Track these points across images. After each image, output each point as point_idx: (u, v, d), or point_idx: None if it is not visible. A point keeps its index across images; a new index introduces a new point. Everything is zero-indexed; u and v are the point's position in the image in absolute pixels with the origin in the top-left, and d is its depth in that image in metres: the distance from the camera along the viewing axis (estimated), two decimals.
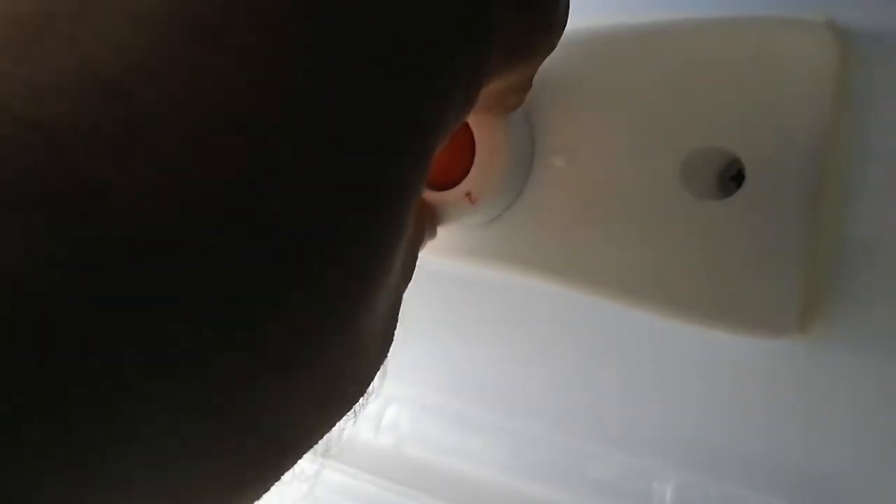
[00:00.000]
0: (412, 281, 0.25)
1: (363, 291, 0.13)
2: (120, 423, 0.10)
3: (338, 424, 0.15)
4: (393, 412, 0.31)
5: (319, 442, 0.15)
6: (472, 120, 0.23)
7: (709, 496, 0.24)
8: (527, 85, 0.21)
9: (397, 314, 0.17)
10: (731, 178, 0.24)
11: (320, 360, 0.13)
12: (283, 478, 0.14)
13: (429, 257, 0.27)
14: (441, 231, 0.24)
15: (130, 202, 0.10)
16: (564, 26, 0.18)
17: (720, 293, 0.22)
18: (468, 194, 0.24)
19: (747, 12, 0.23)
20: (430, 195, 0.24)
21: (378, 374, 0.16)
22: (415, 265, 0.20)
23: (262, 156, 0.11)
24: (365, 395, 0.15)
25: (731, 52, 0.22)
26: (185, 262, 0.10)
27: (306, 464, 0.15)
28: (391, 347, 0.17)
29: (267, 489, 0.14)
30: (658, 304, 0.23)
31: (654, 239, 0.23)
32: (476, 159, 0.23)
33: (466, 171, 0.23)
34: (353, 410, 0.15)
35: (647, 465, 0.26)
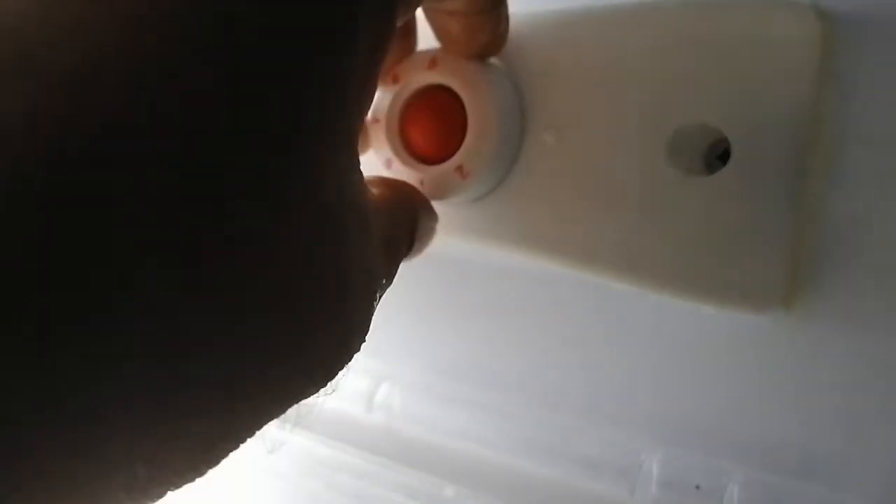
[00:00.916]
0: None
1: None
2: (94, 360, 0.11)
3: (312, 397, 0.15)
4: (385, 390, 0.31)
5: (289, 411, 0.15)
6: (465, 94, 0.23)
7: (694, 470, 0.25)
8: (486, 10, 0.21)
9: (371, 301, 0.17)
10: (718, 157, 0.24)
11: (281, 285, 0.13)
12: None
13: None
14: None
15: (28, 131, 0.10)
16: None
17: (706, 268, 0.23)
18: (459, 168, 0.24)
19: None
20: (422, 169, 0.24)
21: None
22: (398, 263, 0.20)
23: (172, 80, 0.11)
24: (341, 363, 0.15)
25: (717, 32, 0.23)
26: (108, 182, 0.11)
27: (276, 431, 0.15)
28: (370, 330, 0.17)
29: (237, 440, 0.14)
30: (644, 279, 0.24)
31: (642, 214, 0.23)
32: (467, 134, 0.24)
33: (458, 146, 0.24)
34: (330, 384, 0.15)
35: (633, 440, 0.26)
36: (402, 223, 0.21)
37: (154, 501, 0.13)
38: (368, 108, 0.16)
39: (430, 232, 0.23)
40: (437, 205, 0.25)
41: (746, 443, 0.24)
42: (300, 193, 0.13)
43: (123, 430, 0.12)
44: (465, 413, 0.29)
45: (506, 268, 0.28)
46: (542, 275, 0.27)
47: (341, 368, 0.16)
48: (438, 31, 0.23)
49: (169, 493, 0.13)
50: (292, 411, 0.15)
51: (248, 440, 0.14)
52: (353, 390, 0.31)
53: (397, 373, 0.31)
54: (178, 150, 0.11)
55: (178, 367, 0.12)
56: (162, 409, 0.12)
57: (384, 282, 0.18)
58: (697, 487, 0.25)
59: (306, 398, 0.15)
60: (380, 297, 0.18)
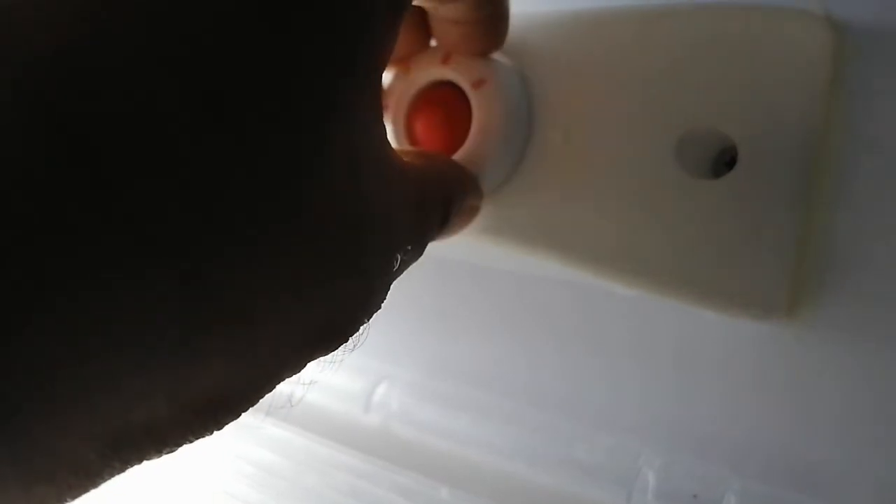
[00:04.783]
0: None
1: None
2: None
3: (291, 383, 0.15)
4: (383, 391, 0.31)
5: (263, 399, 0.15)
6: (472, 94, 0.23)
7: (691, 479, 0.25)
8: (484, 19, 0.22)
9: (391, 258, 0.17)
10: (725, 163, 0.24)
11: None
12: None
13: None
14: None
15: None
16: None
17: (710, 272, 0.23)
18: None
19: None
20: None
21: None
22: (427, 233, 0.20)
23: None
24: (360, 315, 0.16)
25: (729, 38, 0.23)
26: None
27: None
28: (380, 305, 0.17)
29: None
30: (647, 281, 0.24)
31: (648, 216, 0.23)
32: (472, 131, 0.23)
33: (462, 144, 0.24)
34: (351, 341, 0.15)
35: (632, 447, 0.26)
36: (434, 193, 0.20)
37: (171, 450, 0.13)
38: (389, 58, 0.16)
39: (471, 211, 0.23)
40: None
41: (744, 452, 0.24)
42: (322, 132, 0.13)
43: (142, 360, 0.12)
44: (462, 415, 0.29)
45: (506, 269, 0.28)
46: (543, 277, 0.27)
47: (360, 322, 0.16)
48: (439, 37, 0.23)
49: (186, 445, 0.13)
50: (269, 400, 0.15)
51: (267, 393, 0.14)
52: (350, 390, 0.31)
53: (396, 373, 0.31)
54: (210, 85, 0.12)
55: (199, 301, 0.12)
56: (180, 345, 0.12)
57: (409, 247, 0.18)
58: (695, 496, 0.25)
59: (326, 352, 0.15)
60: (403, 260, 0.17)
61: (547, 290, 0.27)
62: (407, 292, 0.31)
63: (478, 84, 0.23)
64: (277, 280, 0.13)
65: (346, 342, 0.16)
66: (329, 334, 0.15)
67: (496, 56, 0.24)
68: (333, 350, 0.15)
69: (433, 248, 0.28)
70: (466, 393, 0.29)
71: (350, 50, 0.14)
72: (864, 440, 0.22)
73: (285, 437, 0.31)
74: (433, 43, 0.24)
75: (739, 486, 0.24)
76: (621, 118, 0.24)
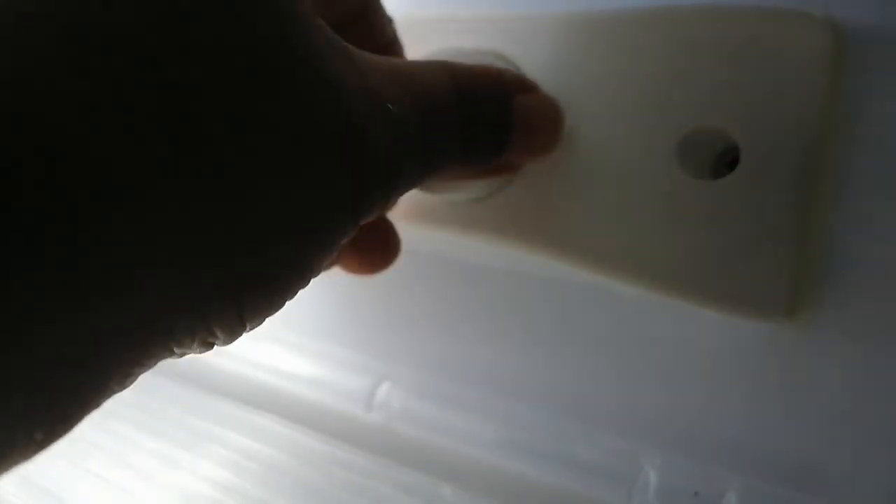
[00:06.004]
0: (405, 262, 0.25)
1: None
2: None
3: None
4: (385, 390, 0.31)
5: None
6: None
7: (692, 477, 0.25)
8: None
9: (380, 126, 0.17)
10: (726, 164, 0.24)
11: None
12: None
13: (424, 235, 0.27)
14: (438, 204, 0.24)
15: None
16: None
17: (710, 272, 0.23)
18: None
19: (748, 0, 0.23)
20: None
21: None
22: (425, 106, 0.19)
23: None
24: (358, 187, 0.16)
25: (730, 39, 0.23)
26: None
27: None
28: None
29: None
30: (648, 280, 0.24)
31: (649, 216, 0.23)
32: None
33: None
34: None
35: (632, 446, 0.26)
36: (426, 77, 0.20)
37: (201, 351, 0.15)
38: None
39: (540, 109, 0.23)
40: (441, 203, 0.25)
41: (745, 451, 0.24)
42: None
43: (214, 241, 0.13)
44: (464, 414, 0.29)
45: (509, 269, 0.28)
46: (545, 277, 0.27)
47: (361, 194, 0.16)
48: None
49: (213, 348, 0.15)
50: None
51: (296, 287, 0.15)
52: (353, 389, 0.31)
53: (397, 373, 0.31)
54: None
55: (198, 187, 0.13)
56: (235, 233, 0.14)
57: (392, 105, 0.18)
58: (696, 494, 0.25)
59: (336, 231, 0.16)
60: (397, 129, 0.17)
61: (548, 290, 0.28)
62: (409, 292, 0.31)
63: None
64: (268, 158, 0.14)
65: (365, 213, 0.16)
66: (341, 202, 0.16)
67: (498, 57, 0.24)
68: (342, 226, 0.16)
69: (433, 248, 0.28)
70: (468, 392, 0.29)
71: None
72: (864, 439, 0.22)
73: (289, 435, 0.31)
74: None
75: (740, 485, 0.24)
76: (623, 119, 0.24)
